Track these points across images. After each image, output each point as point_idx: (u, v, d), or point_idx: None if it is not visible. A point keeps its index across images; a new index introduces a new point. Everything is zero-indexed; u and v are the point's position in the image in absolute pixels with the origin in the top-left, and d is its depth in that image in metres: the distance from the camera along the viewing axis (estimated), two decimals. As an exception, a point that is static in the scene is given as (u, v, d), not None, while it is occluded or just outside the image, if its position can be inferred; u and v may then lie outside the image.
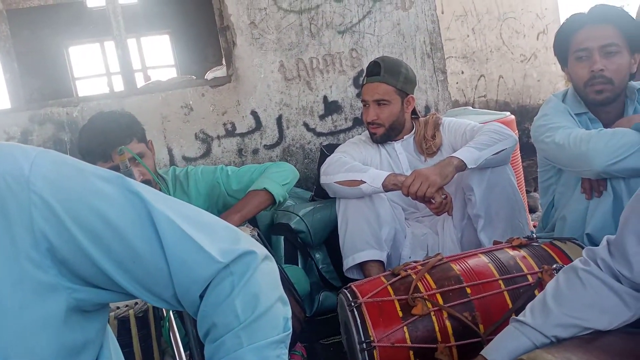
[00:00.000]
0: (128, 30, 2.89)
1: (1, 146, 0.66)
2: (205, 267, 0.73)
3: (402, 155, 2.24)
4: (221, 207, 2.00)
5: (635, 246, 1.04)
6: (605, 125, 1.72)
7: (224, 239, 0.76)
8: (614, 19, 1.69)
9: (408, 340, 1.36)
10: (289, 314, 0.80)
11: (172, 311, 1.42)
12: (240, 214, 1.84)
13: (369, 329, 1.36)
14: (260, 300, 0.75)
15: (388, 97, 2.15)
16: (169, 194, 1.91)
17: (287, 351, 0.79)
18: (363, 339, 1.35)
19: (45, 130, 2.67)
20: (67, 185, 0.66)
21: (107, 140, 1.73)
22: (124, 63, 2.88)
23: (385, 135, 2.21)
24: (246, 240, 0.79)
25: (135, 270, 0.70)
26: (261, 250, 0.80)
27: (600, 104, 1.73)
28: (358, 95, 3.03)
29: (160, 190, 1.56)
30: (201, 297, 0.74)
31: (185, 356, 1.33)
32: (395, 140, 2.25)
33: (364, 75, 2.27)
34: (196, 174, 2.00)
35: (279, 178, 1.95)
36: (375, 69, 2.18)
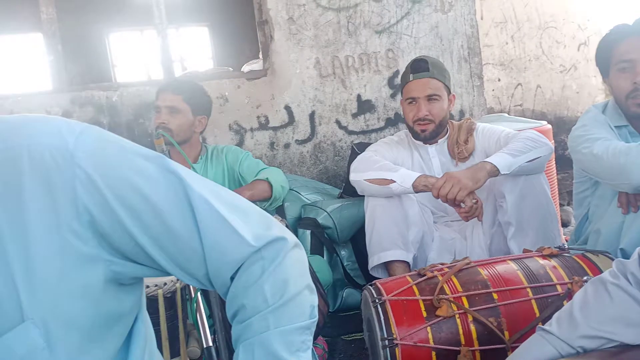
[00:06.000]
0: (169, 20, 2.95)
1: (48, 120, 0.68)
2: (238, 250, 0.74)
3: (434, 158, 2.22)
4: (236, 185, 2.28)
5: None
6: None
7: (257, 224, 0.77)
8: None
9: (431, 341, 1.36)
10: (316, 302, 0.81)
11: (200, 293, 1.44)
12: (251, 193, 2.11)
13: (392, 327, 1.36)
14: (289, 286, 0.76)
15: (439, 92, 2.13)
16: (190, 163, 2.15)
17: (312, 338, 0.80)
18: (386, 336, 1.35)
19: (85, 113, 2.75)
20: (109, 161, 0.68)
21: (164, 84, 2.24)
22: (164, 52, 2.93)
23: (434, 132, 2.16)
24: (278, 226, 0.80)
25: (170, 248, 0.72)
26: (292, 237, 0.81)
27: None
28: (392, 95, 3.02)
29: (164, 148, 1.65)
30: (232, 278, 0.76)
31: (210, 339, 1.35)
32: (429, 144, 2.23)
33: (404, 74, 2.23)
34: (229, 148, 2.40)
35: (280, 180, 2.25)
36: (423, 65, 2.14)
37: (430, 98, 2.13)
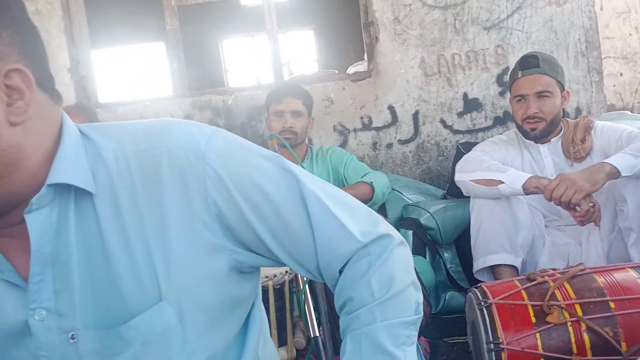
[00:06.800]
0: (278, 25, 3.08)
1: (183, 124, 0.77)
2: (347, 245, 0.78)
3: (547, 158, 2.12)
4: (341, 184, 2.35)
5: None
6: None
7: (365, 221, 0.81)
8: None
9: (540, 348, 1.31)
10: (421, 299, 0.82)
11: (307, 285, 1.51)
12: (353, 193, 2.14)
13: (498, 330, 1.33)
14: (395, 281, 0.78)
15: (550, 88, 2.04)
16: (300, 163, 2.24)
17: (416, 334, 0.81)
18: (491, 339, 1.32)
19: (204, 115, 2.96)
20: (235, 161, 0.75)
21: (285, 88, 2.37)
22: (275, 56, 3.07)
23: (545, 130, 2.08)
24: (384, 224, 0.83)
25: (286, 241, 0.77)
26: (397, 235, 0.83)
27: None
28: (501, 93, 2.92)
29: (277, 148, 1.75)
30: (340, 272, 0.80)
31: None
32: (541, 143, 2.13)
33: (513, 71, 2.15)
34: (334, 149, 2.48)
35: (383, 184, 2.30)
36: (533, 61, 2.06)
37: (540, 95, 2.04)
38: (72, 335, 0.68)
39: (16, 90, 0.63)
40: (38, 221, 0.66)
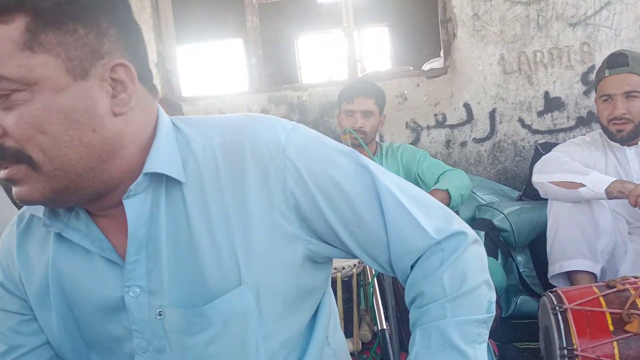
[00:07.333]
0: (355, 22, 3.10)
1: (265, 119, 0.81)
2: (420, 241, 0.78)
3: (633, 162, 2.00)
4: (413, 182, 2.18)
5: None
6: None
7: (439, 218, 0.81)
8: None
9: (617, 357, 1.25)
10: (494, 298, 0.82)
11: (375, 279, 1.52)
12: None
13: (572, 337, 1.29)
14: (467, 279, 0.78)
15: (639, 89, 1.94)
16: (372, 157, 2.24)
17: (487, 332, 0.81)
18: (565, 345, 1.28)
19: (279, 110, 3.05)
20: (312, 155, 0.78)
21: (357, 87, 2.31)
22: (350, 53, 3.10)
23: (632, 132, 1.97)
24: (458, 221, 0.83)
25: (358, 234, 0.79)
26: (472, 232, 0.83)
27: None
28: (586, 92, 2.79)
29: (349, 144, 1.75)
30: (412, 267, 0.81)
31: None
32: (627, 145, 2.02)
33: (600, 69, 2.05)
34: (405, 147, 2.39)
35: (461, 186, 2.14)
36: (621, 60, 1.96)
37: (628, 95, 1.93)
38: (160, 311, 0.73)
39: (120, 84, 0.69)
40: (135, 206, 0.72)
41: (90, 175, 0.68)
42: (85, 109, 0.66)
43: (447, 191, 2.10)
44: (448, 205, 2.12)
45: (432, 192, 2.12)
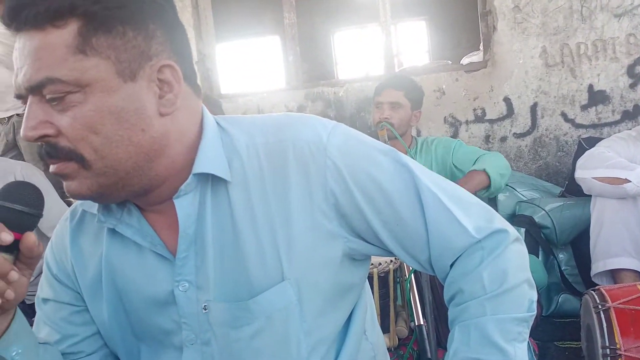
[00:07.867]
0: (392, 16, 3.08)
1: (306, 118, 0.82)
2: (460, 239, 0.78)
3: (682, 156, 1.94)
4: (448, 176, 2.14)
5: None
6: None
7: (479, 216, 0.81)
8: None
9: (664, 359, 1.22)
10: (535, 297, 0.81)
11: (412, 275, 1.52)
12: (468, 186, 1.97)
13: (615, 336, 1.26)
14: (508, 277, 0.78)
15: None
16: (407, 150, 2.22)
17: (528, 331, 0.80)
18: (607, 344, 1.25)
19: (316, 106, 3.06)
20: (352, 154, 0.79)
21: (387, 80, 2.34)
22: (387, 47, 3.09)
23: None
24: (499, 219, 0.83)
25: (397, 232, 0.80)
26: (513, 231, 0.82)
27: None
28: (632, 85, 2.70)
29: (386, 139, 1.72)
30: (451, 265, 0.80)
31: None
32: (675, 140, 1.96)
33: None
34: (439, 140, 2.34)
35: (499, 166, 2.04)
36: None
37: None
38: (205, 306, 0.76)
39: (167, 84, 0.71)
40: (185, 205, 0.75)
41: (137, 173, 0.71)
42: (135, 109, 0.69)
43: (484, 171, 2.02)
44: (488, 186, 2.04)
45: (470, 174, 2.06)
